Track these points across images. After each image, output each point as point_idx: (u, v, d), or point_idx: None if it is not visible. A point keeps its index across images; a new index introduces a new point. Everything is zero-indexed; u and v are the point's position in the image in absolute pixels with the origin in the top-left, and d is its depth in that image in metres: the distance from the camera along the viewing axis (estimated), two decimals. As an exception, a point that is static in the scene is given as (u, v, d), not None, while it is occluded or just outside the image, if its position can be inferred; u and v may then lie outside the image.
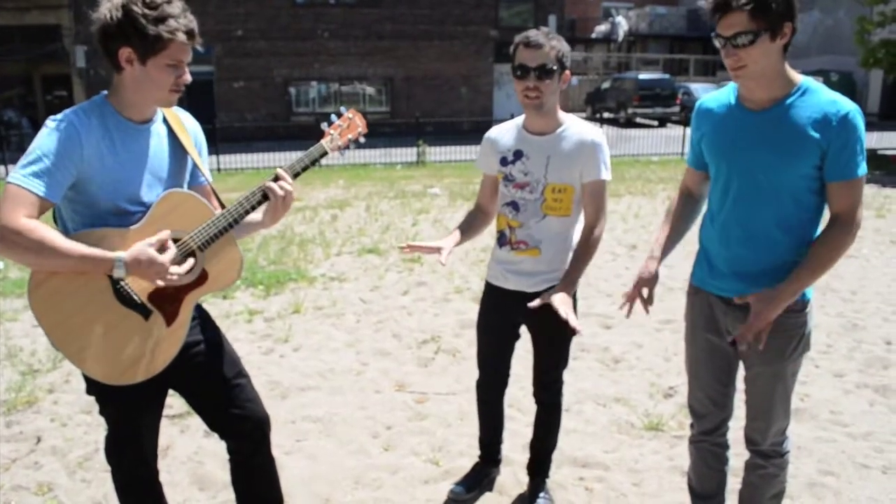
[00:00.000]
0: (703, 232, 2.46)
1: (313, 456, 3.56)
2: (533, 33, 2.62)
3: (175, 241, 2.12)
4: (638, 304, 2.53)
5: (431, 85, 25.92)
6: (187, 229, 2.13)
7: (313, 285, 6.62)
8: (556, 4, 26.54)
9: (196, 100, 23.82)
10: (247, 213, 2.20)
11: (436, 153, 18.03)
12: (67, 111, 2.05)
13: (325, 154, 2.34)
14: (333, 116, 2.41)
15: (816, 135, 2.10)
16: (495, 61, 26.43)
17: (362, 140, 2.45)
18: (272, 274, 6.89)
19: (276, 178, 2.23)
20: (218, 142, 16.92)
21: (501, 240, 2.86)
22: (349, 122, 2.41)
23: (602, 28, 38.90)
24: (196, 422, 3.87)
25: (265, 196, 2.22)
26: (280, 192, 2.21)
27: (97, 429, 3.85)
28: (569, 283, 2.68)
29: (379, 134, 23.88)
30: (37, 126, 25.78)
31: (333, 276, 6.91)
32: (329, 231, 9.18)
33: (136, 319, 2.12)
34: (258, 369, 4.61)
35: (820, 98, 2.14)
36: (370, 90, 25.92)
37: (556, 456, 3.31)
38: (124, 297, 2.10)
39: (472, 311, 5.51)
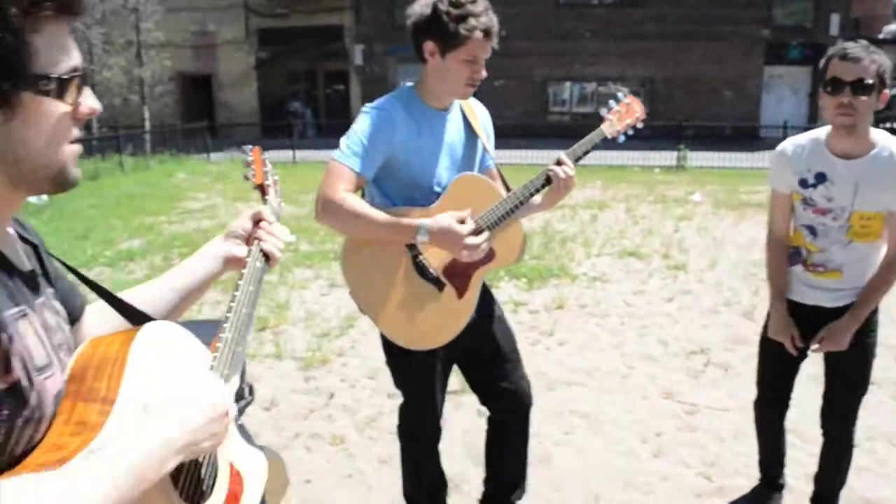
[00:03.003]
0: None
1: (582, 451, 3.60)
2: (851, 45, 2.37)
3: None
4: None
5: (693, 87, 24.80)
6: (478, 210, 2.30)
7: (575, 283, 6.66)
8: (840, 2, 24.03)
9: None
10: (531, 195, 2.35)
11: (696, 158, 17.24)
12: (381, 100, 2.31)
13: (604, 138, 2.46)
14: (612, 102, 2.51)
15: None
16: (766, 63, 24.58)
17: (640, 125, 2.52)
18: (535, 268, 7.03)
19: (559, 163, 2.35)
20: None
21: (795, 257, 2.65)
22: (627, 108, 2.50)
23: (892, 27, 34.69)
24: (470, 399, 4.07)
25: (548, 180, 2.35)
26: (563, 176, 2.34)
27: (380, 394, 4.20)
28: (856, 316, 2.51)
29: (637, 136, 23.21)
30: (318, 117, 28.25)
31: (595, 276, 6.90)
32: (589, 230, 9.17)
33: (431, 291, 2.33)
34: (526, 359, 4.65)
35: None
36: (624, 91, 25.44)
37: (845, 493, 3.04)
38: (422, 270, 2.31)
39: (745, 327, 5.28)
